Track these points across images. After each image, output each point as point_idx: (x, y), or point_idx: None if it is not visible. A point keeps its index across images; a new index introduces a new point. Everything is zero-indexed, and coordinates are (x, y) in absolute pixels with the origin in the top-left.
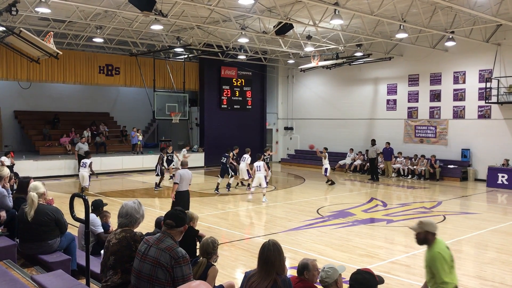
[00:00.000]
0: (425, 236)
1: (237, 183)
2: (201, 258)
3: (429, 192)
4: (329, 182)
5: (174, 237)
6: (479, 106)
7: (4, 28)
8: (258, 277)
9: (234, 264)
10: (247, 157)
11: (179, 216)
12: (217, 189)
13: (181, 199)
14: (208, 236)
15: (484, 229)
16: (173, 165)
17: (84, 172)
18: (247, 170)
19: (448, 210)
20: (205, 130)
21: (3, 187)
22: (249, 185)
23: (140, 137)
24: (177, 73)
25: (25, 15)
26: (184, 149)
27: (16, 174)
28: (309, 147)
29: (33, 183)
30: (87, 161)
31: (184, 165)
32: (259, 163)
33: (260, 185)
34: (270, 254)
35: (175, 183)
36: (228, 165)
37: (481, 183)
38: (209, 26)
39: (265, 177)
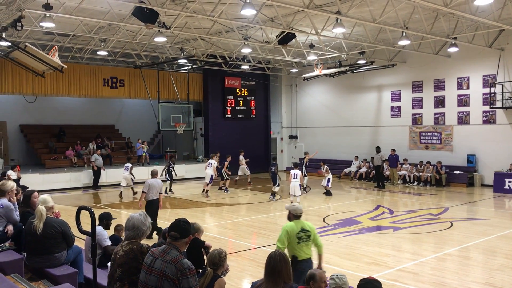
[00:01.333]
0: (288, 216)
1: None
2: (208, 269)
3: (436, 198)
4: (326, 192)
5: (179, 249)
6: (484, 112)
7: (9, 43)
8: (266, 287)
9: (241, 274)
10: (213, 163)
11: (183, 227)
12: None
13: (150, 207)
14: (216, 248)
15: (492, 235)
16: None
17: (127, 175)
18: (212, 175)
19: (455, 216)
20: (210, 140)
21: (10, 201)
22: (227, 188)
23: (145, 149)
24: (181, 84)
25: (30, 30)
26: (211, 160)
27: (23, 188)
28: (318, 173)
29: (42, 197)
30: (129, 165)
31: (153, 174)
32: (296, 171)
33: (294, 193)
34: (277, 264)
35: (143, 192)
36: (274, 174)
37: (488, 188)
38: (212, 37)
39: (300, 185)
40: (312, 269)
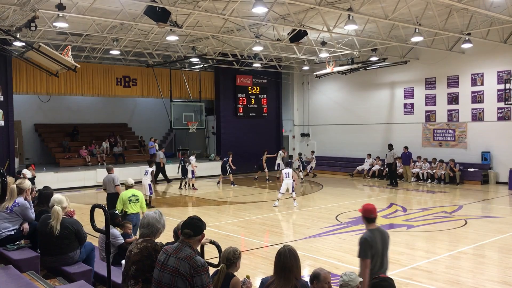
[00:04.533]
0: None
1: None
2: (221, 265)
3: (450, 196)
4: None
5: (192, 246)
6: (499, 108)
7: (24, 44)
8: (277, 285)
9: (254, 272)
10: (193, 159)
11: (196, 225)
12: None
13: (109, 200)
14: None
15: (508, 233)
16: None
17: (146, 181)
18: (192, 170)
19: (469, 214)
20: (222, 139)
21: (25, 199)
22: (193, 185)
23: (157, 147)
24: (193, 83)
25: (44, 30)
26: (191, 157)
27: (45, 188)
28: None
29: (56, 196)
30: (149, 169)
31: (108, 170)
32: (288, 170)
33: (287, 190)
34: (287, 260)
35: (103, 189)
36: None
37: (503, 186)
38: (224, 36)
39: (294, 181)
40: (318, 268)
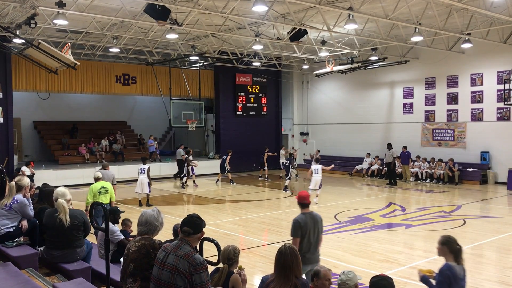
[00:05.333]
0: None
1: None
2: (222, 265)
3: (448, 196)
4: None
5: (191, 244)
6: (498, 108)
7: (23, 41)
8: (277, 283)
9: (252, 271)
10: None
11: (195, 223)
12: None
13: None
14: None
15: (506, 233)
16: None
17: (144, 179)
18: (192, 167)
19: (468, 214)
20: (221, 137)
21: (24, 196)
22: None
23: (155, 145)
24: (192, 81)
25: (44, 27)
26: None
27: (44, 185)
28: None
29: (59, 189)
30: (145, 166)
31: (104, 167)
32: (317, 166)
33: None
34: (287, 259)
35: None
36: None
37: (502, 186)
38: (224, 34)
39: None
40: (318, 265)
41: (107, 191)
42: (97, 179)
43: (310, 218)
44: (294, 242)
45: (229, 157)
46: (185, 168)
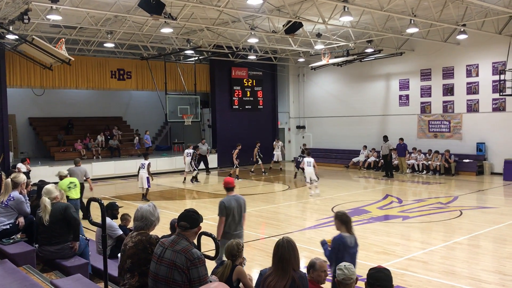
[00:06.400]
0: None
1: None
2: (227, 261)
3: (445, 187)
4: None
5: (189, 239)
6: (493, 99)
7: (17, 36)
8: (275, 276)
9: (251, 264)
10: (191, 152)
11: (192, 217)
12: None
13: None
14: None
15: (502, 223)
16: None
17: (144, 174)
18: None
19: (464, 205)
20: (217, 131)
21: (20, 193)
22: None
23: (149, 138)
24: (188, 76)
25: (37, 23)
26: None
27: (42, 182)
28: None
29: (46, 187)
30: (145, 162)
31: (75, 163)
32: (310, 159)
33: (311, 180)
34: (285, 252)
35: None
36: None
37: (498, 176)
38: (219, 28)
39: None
40: (314, 257)
41: (75, 185)
42: (64, 177)
43: (234, 200)
44: (220, 221)
45: (236, 150)
46: (193, 163)
